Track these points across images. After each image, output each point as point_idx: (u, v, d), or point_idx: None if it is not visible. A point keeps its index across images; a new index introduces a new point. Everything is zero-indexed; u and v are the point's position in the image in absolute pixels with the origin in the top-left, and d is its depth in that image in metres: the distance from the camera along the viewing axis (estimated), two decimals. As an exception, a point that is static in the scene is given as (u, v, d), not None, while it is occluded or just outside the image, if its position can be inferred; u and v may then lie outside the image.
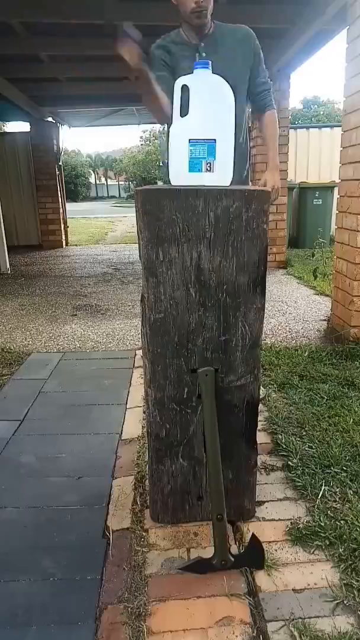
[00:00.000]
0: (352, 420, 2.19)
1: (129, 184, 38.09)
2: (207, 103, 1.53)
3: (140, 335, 1.46)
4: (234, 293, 1.38)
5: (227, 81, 1.97)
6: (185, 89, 1.55)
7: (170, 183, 1.59)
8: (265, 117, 2.22)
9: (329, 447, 1.97)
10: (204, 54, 2.03)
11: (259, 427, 1.66)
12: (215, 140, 1.51)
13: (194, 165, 1.50)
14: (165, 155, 2.13)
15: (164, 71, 2.01)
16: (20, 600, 1.35)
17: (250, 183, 2.27)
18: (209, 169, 1.50)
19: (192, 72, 1.65)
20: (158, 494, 1.59)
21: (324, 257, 6.29)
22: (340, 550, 1.45)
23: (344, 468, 1.83)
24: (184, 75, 1.72)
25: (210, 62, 1.57)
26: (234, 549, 1.48)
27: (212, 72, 1.85)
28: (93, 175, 41.19)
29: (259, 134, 2.25)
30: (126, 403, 2.55)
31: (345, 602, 1.29)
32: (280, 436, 2.08)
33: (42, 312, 4.50)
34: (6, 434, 2.24)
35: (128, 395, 2.63)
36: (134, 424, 2.31)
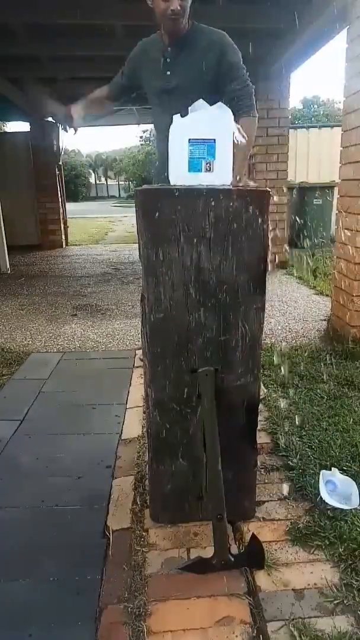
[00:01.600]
0: (352, 420, 2.19)
1: (129, 184, 38.08)
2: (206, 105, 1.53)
3: (140, 335, 1.46)
4: (234, 293, 1.38)
5: (187, 90, 2.02)
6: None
7: (158, 182, 1.60)
8: (240, 121, 2.06)
9: (329, 447, 1.97)
10: (168, 60, 2.11)
11: (259, 427, 1.66)
12: (214, 140, 1.51)
13: (193, 165, 1.50)
14: (158, 155, 2.17)
15: (120, 79, 2.37)
16: (20, 600, 1.35)
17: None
18: (208, 169, 1.50)
19: (154, 82, 2.08)
20: (158, 494, 1.59)
21: (324, 256, 6.30)
22: (340, 550, 1.45)
23: (344, 468, 1.83)
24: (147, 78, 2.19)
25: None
26: (234, 549, 1.48)
27: (175, 77, 2.08)
28: (93, 175, 41.20)
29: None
30: (126, 403, 2.55)
31: (345, 602, 1.29)
32: (280, 436, 2.08)
33: (42, 312, 4.50)
34: (6, 434, 2.24)
35: (128, 395, 2.63)
36: (134, 424, 2.31)
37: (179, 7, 1.94)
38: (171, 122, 2.01)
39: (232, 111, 2.15)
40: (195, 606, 1.30)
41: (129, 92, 2.39)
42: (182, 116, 2.02)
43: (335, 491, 1.69)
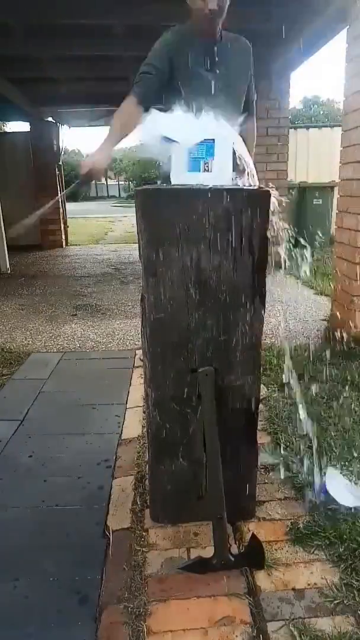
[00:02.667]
0: (352, 420, 2.19)
1: (128, 184, 38.07)
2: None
3: (140, 335, 1.46)
4: (234, 293, 1.38)
5: (234, 90, 2.05)
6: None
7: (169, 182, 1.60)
8: (248, 123, 2.19)
9: (329, 447, 1.97)
10: (216, 59, 2.02)
11: (259, 427, 1.66)
12: (213, 140, 1.52)
13: (192, 165, 1.50)
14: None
15: (152, 72, 1.99)
16: (20, 600, 1.35)
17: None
18: (207, 169, 1.51)
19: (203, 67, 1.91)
20: (158, 494, 1.59)
21: (324, 256, 6.30)
22: (340, 550, 1.45)
23: (344, 468, 1.83)
24: (190, 67, 1.95)
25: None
26: (234, 549, 1.48)
27: (220, 79, 2.02)
28: (93, 175, 41.08)
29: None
30: (126, 403, 2.55)
31: (345, 602, 1.29)
32: (280, 436, 2.08)
33: (42, 312, 4.50)
34: (6, 434, 2.24)
35: (128, 395, 2.63)
36: (134, 424, 2.31)
37: (216, 7, 1.89)
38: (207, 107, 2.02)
39: (248, 111, 2.19)
40: (195, 606, 1.30)
41: (162, 85, 2.03)
42: (220, 104, 2.01)
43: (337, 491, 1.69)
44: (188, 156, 1.51)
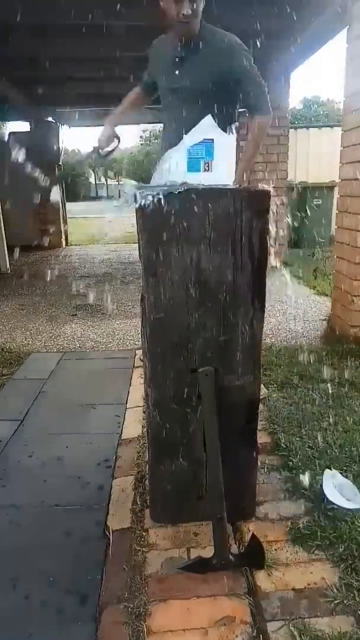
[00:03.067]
0: (352, 420, 2.19)
1: (129, 183, 38.05)
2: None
3: (140, 335, 1.46)
4: (234, 293, 1.38)
5: (194, 91, 2.08)
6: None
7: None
8: (252, 120, 2.18)
9: (329, 447, 1.97)
10: (177, 59, 2.12)
11: (259, 427, 1.66)
12: (213, 140, 1.52)
13: (192, 165, 1.50)
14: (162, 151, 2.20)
15: (145, 76, 2.38)
16: (20, 600, 1.35)
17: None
18: (207, 168, 1.51)
19: (163, 80, 2.13)
20: (158, 493, 1.59)
21: (324, 257, 6.30)
22: (340, 550, 1.45)
23: (344, 468, 1.83)
24: (159, 76, 2.21)
25: None
26: (234, 549, 1.48)
27: (182, 78, 2.10)
28: (93, 175, 41.17)
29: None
30: (126, 403, 2.55)
31: (345, 602, 1.29)
32: (280, 436, 2.08)
33: (42, 312, 4.50)
34: (6, 434, 2.24)
35: (128, 395, 2.63)
36: (134, 424, 2.31)
37: (190, 11, 1.93)
38: (173, 120, 2.11)
39: (249, 109, 2.19)
40: (195, 606, 1.30)
41: (154, 89, 2.37)
42: (181, 117, 2.08)
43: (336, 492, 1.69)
44: (187, 156, 1.52)
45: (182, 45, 2.11)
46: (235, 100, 2.17)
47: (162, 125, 2.41)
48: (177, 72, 2.12)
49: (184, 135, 2.07)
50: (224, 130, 2.07)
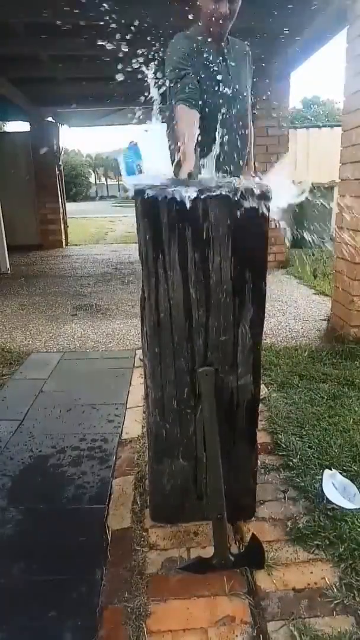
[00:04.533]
0: (352, 420, 2.19)
1: (129, 183, 37.98)
2: None
3: (140, 335, 1.46)
4: (234, 293, 1.38)
5: (239, 93, 2.06)
6: None
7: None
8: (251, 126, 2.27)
9: (329, 447, 1.97)
10: (227, 60, 2.03)
11: (259, 427, 1.66)
12: (135, 143, 1.60)
13: (129, 171, 1.58)
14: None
15: (187, 70, 1.94)
16: (20, 600, 1.35)
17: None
18: (141, 170, 1.58)
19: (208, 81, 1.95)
20: (158, 493, 1.59)
21: (324, 256, 6.30)
22: (340, 550, 1.45)
23: (344, 468, 1.83)
24: (206, 68, 1.96)
25: None
26: (234, 549, 1.48)
27: (231, 80, 2.03)
28: (93, 175, 41.17)
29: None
30: (126, 403, 2.55)
31: (345, 602, 1.29)
32: (280, 436, 2.08)
33: (42, 312, 4.50)
34: (6, 434, 2.24)
35: (128, 395, 2.63)
36: (134, 424, 2.31)
37: (228, 11, 1.87)
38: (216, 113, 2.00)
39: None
40: (195, 606, 1.30)
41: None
42: (226, 123, 2.04)
43: (336, 492, 1.69)
44: (124, 163, 1.58)
45: (220, 46, 2.02)
46: None
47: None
48: (229, 77, 2.02)
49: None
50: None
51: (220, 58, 2.03)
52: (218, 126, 2.02)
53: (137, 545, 1.53)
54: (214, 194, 1.29)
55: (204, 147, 2.04)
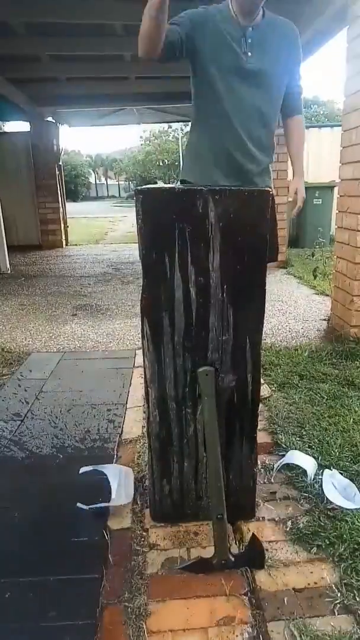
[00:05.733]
0: (352, 420, 2.19)
1: (129, 183, 38.05)
2: None
3: (140, 335, 1.46)
4: (234, 293, 1.38)
5: (268, 78, 1.92)
6: None
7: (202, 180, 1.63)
8: (294, 120, 2.13)
9: (329, 447, 1.97)
10: (249, 40, 1.87)
11: (259, 427, 1.66)
12: None
13: None
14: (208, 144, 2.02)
15: (178, 28, 1.81)
16: (20, 599, 1.35)
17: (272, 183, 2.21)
18: None
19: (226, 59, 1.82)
20: (158, 493, 1.59)
21: (324, 257, 6.29)
22: (340, 550, 1.45)
23: (344, 468, 1.83)
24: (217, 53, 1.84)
25: None
26: (234, 549, 1.48)
27: (255, 65, 1.89)
28: (93, 175, 41.19)
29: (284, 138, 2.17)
30: (126, 403, 2.55)
31: (345, 602, 1.29)
32: (280, 436, 2.08)
33: (42, 312, 4.50)
34: (6, 434, 2.24)
35: (128, 395, 2.63)
36: (134, 424, 2.31)
37: None
38: (242, 106, 1.91)
39: (292, 107, 2.10)
40: (195, 606, 1.30)
41: (179, 51, 1.86)
42: (257, 104, 1.93)
43: (336, 492, 1.69)
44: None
45: (249, 25, 1.87)
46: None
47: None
48: (249, 54, 1.87)
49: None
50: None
51: (242, 36, 1.87)
52: (231, 108, 1.90)
53: (137, 545, 1.53)
54: (215, 194, 1.30)
55: (215, 133, 1.94)
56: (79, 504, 1.68)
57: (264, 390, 2.47)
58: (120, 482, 1.76)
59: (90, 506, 1.67)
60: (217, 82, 1.90)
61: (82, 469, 1.84)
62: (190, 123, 2.20)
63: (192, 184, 1.70)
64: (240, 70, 1.88)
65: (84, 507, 1.68)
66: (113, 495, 1.69)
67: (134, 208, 1.36)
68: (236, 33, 1.87)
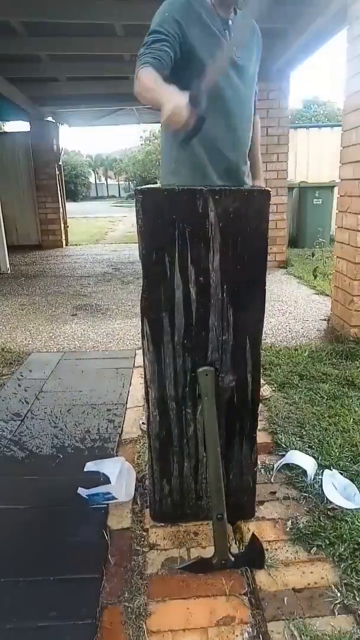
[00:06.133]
0: (352, 420, 2.19)
1: (129, 183, 38.05)
2: None
3: (140, 335, 1.46)
4: (234, 293, 1.38)
5: (250, 75, 1.85)
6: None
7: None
8: (255, 120, 2.03)
9: (329, 447, 1.97)
10: (233, 34, 1.77)
11: (259, 427, 1.66)
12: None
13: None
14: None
15: (168, 48, 1.62)
16: (20, 599, 1.35)
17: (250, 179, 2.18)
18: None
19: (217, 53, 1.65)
20: (158, 493, 1.59)
21: (324, 256, 6.30)
22: (340, 550, 1.45)
23: (344, 468, 1.83)
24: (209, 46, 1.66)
25: None
26: (234, 549, 1.48)
27: (242, 61, 1.80)
28: (93, 175, 41.18)
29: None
30: (126, 403, 2.55)
31: (345, 602, 1.29)
32: (280, 436, 2.08)
33: (42, 312, 4.50)
34: (6, 434, 2.24)
35: (128, 395, 2.63)
36: (134, 424, 2.31)
37: None
38: (241, 104, 1.82)
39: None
40: (195, 606, 1.30)
41: (176, 51, 1.67)
42: (249, 101, 1.86)
43: (336, 492, 1.69)
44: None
45: (226, 16, 1.77)
46: None
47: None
48: (235, 49, 1.77)
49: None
50: None
51: (225, 29, 1.76)
52: (222, 111, 1.78)
53: (137, 545, 1.53)
54: (215, 194, 1.30)
55: (207, 135, 1.69)
56: (80, 489, 1.70)
57: (265, 391, 2.47)
58: (122, 472, 1.78)
59: (91, 490, 1.68)
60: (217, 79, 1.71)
61: (88, 466, 1.87)
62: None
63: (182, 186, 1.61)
64: (234, 67, 1.78)
65: (85, 492, 1.69)
66: (113, 482, 1.71)
67: (134, 208, 1.36)
68: (219, 27, 1.76)
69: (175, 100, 1.38)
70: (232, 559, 1.40)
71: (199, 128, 1.45)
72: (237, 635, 1.22)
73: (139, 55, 1.63)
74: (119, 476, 1.75)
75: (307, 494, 1.72)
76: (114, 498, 1.70)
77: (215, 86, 1.72)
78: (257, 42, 1.92)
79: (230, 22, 1.78)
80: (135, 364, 3.06)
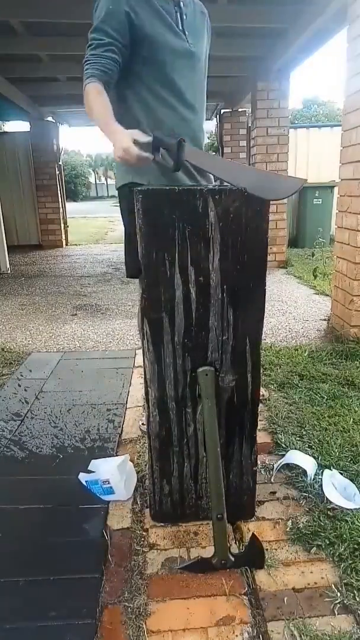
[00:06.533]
0: (352, 420, 2.19)
1: (129, 183, 38.00)
2: None
3: (140, 335, 1.46)
4: (234, 293, 1.38)
5: (201, 61, 1.79)
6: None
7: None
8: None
9: (329, 447, 1.97)
10: (185, 16, 1.72)
11: (259, 426, 1.66)
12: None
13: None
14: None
15: (114, 54, 1.61)
16: (20, 599, 1.35)
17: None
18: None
19: (170, 37, 1.64)
20: (158, 493, 1.59)
21: (324, 256, 6.30)
22: (340, 550, 1.45)
23: (344, 468, 1.83)
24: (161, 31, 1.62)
25: None
26: (234, 549, 1.48)
27: (193, 46, 1.75)
28: (93, 175, 41.18)
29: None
30: (126, 403, 2.55)
31: (345, 601, 1.29)
32: (280, 436, 2.08)
33: (42, 311, 4.50)
34: (6, 434, 2.24)
35: (128, 395, 2.63)
36: (134, 424, 2.31)
37: None
38: (192, 90, 1.74)
39: None
40: (195, 606, 1.30)
41: (122, 52, 1.64)
42: (199, 85, 1.79)
43: (336, 492, 1.69)
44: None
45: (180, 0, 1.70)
46: None
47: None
48: (186, 33, 1.71)
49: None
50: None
51: (176, 8, 1.69)
52: (174, 94, 1.70)
53: (137, 545, 1.53)
54: (215, 194, 1.30)
55: (158, 118, 1.70)
56: (81, 474, 1.74)
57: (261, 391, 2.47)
58: (124, 464, 1.78)
59: (90, 476, 1.70)
60: (167, 68, 1.68)
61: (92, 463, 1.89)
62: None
63: (145, 186, 1.48)
64: (186, 54, 1.71)
65: (85, 477, 1.72)
66: (113, 468, 1.72)
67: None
68: (170, 8, 1.68)
69: (122, 143, 1.49)
70: (232, 559, 1.40)
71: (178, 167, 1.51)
72: (237, 635, 1.22)
73: (84, 60, 1.65)
74: (121, 465, 1.76)
75: (307, 494, 1.72)
76: (112, 490, 1.69)
77: (169, 79, 1.69)
78: (207, 22, 1.86)
79: (181, 3, 1.72)
80: (135, 364, 3.06)
